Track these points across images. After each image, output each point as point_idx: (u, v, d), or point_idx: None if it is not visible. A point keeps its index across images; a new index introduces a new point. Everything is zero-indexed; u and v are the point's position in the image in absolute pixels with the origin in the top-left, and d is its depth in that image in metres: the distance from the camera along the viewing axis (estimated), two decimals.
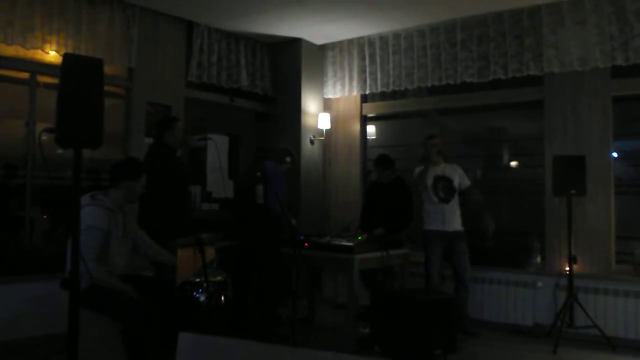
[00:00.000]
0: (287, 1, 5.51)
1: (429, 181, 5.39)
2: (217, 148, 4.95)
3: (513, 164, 6.31)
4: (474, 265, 5.45)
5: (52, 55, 5.03)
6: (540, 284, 5.45)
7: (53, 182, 4.57)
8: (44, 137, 2.50)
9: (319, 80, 7.07)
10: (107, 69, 2.53)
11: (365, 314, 5.07)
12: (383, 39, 6.55)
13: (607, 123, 5.27)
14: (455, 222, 5.38)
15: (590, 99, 5.34)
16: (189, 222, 4.56)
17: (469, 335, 5.20)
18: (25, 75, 5.06)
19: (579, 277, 5.11)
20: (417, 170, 5.49)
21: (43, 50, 4.94)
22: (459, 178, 5.45)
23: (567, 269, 5.09)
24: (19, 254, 4.88)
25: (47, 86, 5.13)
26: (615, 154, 5.37)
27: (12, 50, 4.85)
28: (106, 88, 2.48)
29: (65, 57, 2.41)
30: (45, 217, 5.31)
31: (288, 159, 5.55)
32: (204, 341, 1.28)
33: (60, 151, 5.02)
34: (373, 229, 5.48)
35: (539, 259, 5.63)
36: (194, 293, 3.71)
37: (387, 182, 5.72)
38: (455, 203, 5.39)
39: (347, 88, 6.87)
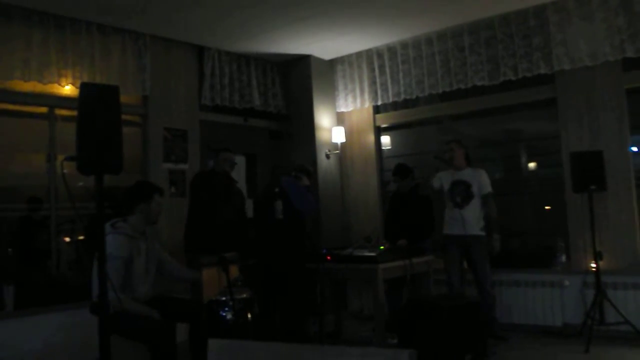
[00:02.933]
0: (293, 19, 5.58)
1: (446, 186, 5.38)
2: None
3: (531, 164, 6.28)
4: (499, 268, 5.41)
5: (68, 88, 5.16)
6: (567, 282, 5.40)
7: (77, 212, 4.65)
8: (65, 170, 2.56)
9: (331, 95, 7.13)
10: (123, 98, 2.58)
11: (392, 324, 5.05)
12: (391, 49, 6.60)
13: (622, 116, 5.23)
14: (473, 226, 5.26)
15: (603, 93, 5.31)
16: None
17: (499, 340, 5.14)
18: (43, 109, 5.18)
19: (606, 273, 5.04)
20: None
21: (59, 84, 5.06)
22: (479, 184, 5.32)
23: (594, 265, 5.03)
24: (46, 284, 4.96)
25: (65, 119, 5.24)
26: (635, 148, 5.32)
27: (30, 86, 4.99)
28: (123, 117, 2.53)
29: (83, 86, 2.48)
30: (67, 239, 5.42)
31: (304, 175, 5.57)
32: (234, 346, 1.31)
33: (81, 183, 5.15)
34: (398, 239, 5.48)
35: (564, 258, 5.58)
36: (221, 312, 3.74)
37: (407, 191, 5.72)
38: (473, 208, 5.29)
39: (359, 100, 6.91)
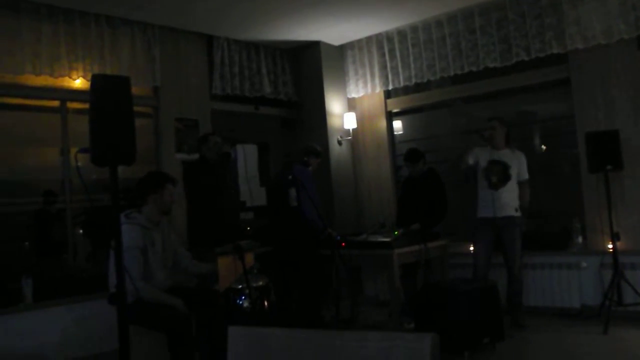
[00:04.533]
0: (301, 5, 5.54)
1: (482, 164, 5.20)
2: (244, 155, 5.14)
3: (545, 146, 6.22)
4: None
5: (78, 81, 5.16)
6: (584, 264, 5.35)
7: (93, 204, 4.68)
8: (79, 163, 2.57)
9: (341, 81, 7.09)
10: (134, 90, 2.57)
11: (408, 309, 5.05)
12: (401, 33, 6.53)
13: (638, 94, 5.15)
14: (507, 208, 5.09)
15: (617, 71, 5.23)
16: (229, 230, 4.65)
17: (518, 327, 5.03)
18: (55, 103, 5.20)
19: (623, 254, 5.00)
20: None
21: (70, 77, 5.06)
22: (518, 167, 5.18)
23: (611, 246, 4.99)
24: (64, 276, 5.00)
25: (77, 112, 5.25)
26: None
27: (42, 80, 4.98)
28: (134, 108, 2.53)
29: (94, 78, 2.48)
30: (80, 231, 5.46)
31: (312, 158, 5.56)
32: (254, 333, 1.30)
33: (94, 177, 5.17)
34: (410, 224, 5.45)
35: (580, 239, 5.51)
36: (238, 300, 3.76)
37: (419, 176, 5.69)
38: (509, 189, 5.11)
39: (369, 86, 6.87)
